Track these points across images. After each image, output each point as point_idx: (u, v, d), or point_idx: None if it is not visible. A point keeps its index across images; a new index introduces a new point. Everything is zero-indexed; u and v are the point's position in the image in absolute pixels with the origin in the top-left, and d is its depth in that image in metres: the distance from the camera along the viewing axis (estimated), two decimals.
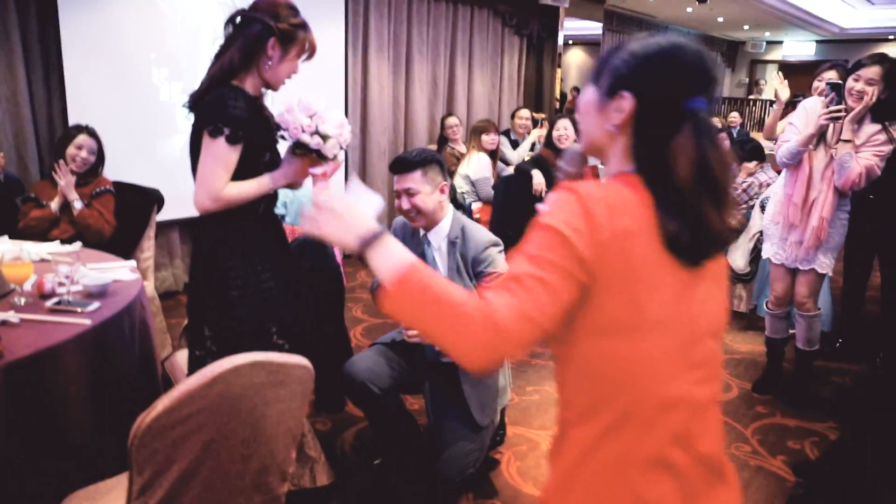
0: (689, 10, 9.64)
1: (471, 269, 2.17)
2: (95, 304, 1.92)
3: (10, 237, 2.66)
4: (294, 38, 1.84)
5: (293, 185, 1.93)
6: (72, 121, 3.57)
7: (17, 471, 1.56)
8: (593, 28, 9.00)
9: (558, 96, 7.49)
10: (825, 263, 2.96)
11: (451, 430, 2.13)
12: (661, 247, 0.92)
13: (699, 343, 0.97)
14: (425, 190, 2.13)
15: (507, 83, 6.87)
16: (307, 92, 1.91)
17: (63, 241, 2.79)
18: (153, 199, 3.34)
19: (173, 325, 3.61)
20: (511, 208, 4.05)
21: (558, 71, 7.11)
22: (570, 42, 12.38)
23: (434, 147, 5.34)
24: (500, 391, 2.30)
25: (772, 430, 2.89)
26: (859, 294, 3.81)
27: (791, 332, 3.25)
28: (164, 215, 3.56)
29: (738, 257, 4.38)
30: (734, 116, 7.66)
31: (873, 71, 2.74)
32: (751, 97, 13.41)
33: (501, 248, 2.22)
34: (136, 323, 2.04)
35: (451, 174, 4.72)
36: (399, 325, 2.30)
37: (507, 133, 5.51)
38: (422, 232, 2.25)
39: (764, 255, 3.21)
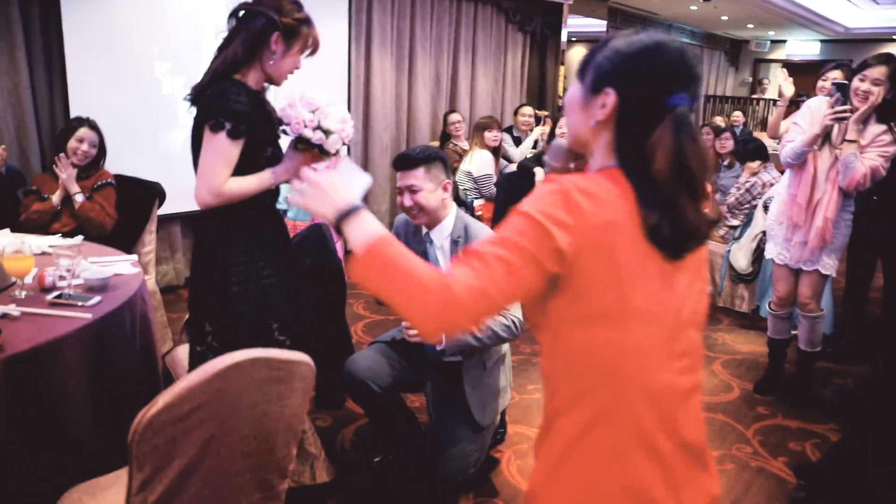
0: (693, 7, 9.61)
1: None
2: (96, 298, 1.91)
3: (12, 230, 2.65)
4: (297, 32, 1.83)
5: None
6: (73, 114, 3.56)
7: (16, 465, 1.55)
8: (597, 25, 8.96)
9: (561, 93, 7.46)
10: (829, 264, 2.95)
11: (452, 429, 2.12)
12: (643, 239, 0.95)
13: (682, 333, 1.00)
14: (428, 187, 2.12)
15: (511, 80, 6.85)
16: (310, 87, 1.90)
17: (64, 235, 2.78)
18: (155, 192, 3.33)
19: (174, 319, 3.61)
20: (513, 205, 4.03)
21: (561, 68, 7.08)
22: (574, 39, 12.31)
23: (437, 144, 5.33)
24: (502, 391, 2.29)
25: (773, 431, 2.88)
26: (862, 294, 3.80)
27: (793, 332, 3.24)
28: (166, 209, 3.55)
29: (740, 257, 4.37)
30: (737, 115, 7.62)
31: (879, 71, 2.72)
32: (754, 96, 13.38)
33: None
34: (136, 317, 2.04)
35: (454, 171, 4.70)
36: (399, 324, 2.30)
37: (509, 130, 5.49)
38: (424, 230, 2.23)
39: (767, 255, 3.20)
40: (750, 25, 12.07)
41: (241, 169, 1.79)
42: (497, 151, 4.91)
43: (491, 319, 2.08)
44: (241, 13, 1.82)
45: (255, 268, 1.87)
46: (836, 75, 3.18)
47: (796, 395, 3.16)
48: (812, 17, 10.22)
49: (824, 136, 2.86)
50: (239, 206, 1.82)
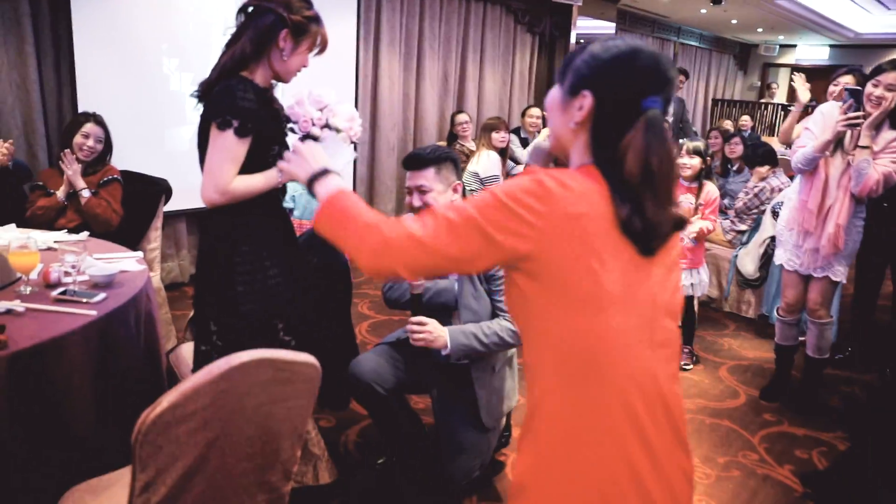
0: (703, 11, 9.56)
1: (482, 273, 2.14)
2: (101, 295, 1.90)
3: (18, 225, 2.65)
4: (306, 30, 1.81)
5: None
6: (81, 109, 3.55)
7: (19, 461, 1.54)
8: (606, 27, 8.92)
9: None
10: (839, 271, 2.92)
11: (457, 432, 2.11)
12: (617, 230, 0.99)
13: (659, 322, 1.04)
14: (438, 188, 2.09)
15: (518, 81, 6.83)
16: (318, 85, 1.88)
17: (70, 231, 2.78)
18: (161, 189, 3.32)
19: (178, 316, 3.60)
20: None
21: None
22: (583, 41, 12.29)
23: (444, 144, 5.31)
24: (508, 394, 2.28)
25: (779, 438, 2.86)
26: (870, 300, 3.77)
27: (801, 339, 3.22)
28: (172, 206, 3.55)
29: (747, 262, 4.34)
30: (745, 120, 7.58)
31: (893, 76, 2.69)
32: (762, 101, 13.31)
33: None
34: (141, 315, 2.02)
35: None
36: (404, 326, 2.28)
37: (517, 131, 5.47)
38: None
39: (777, 261, 3.17)
40: (759, 29, 12.01)
41: (248, 167, 1.78)
42: (504, 152, 4.89)
43: (494, 322, 2.07)
44: (250, 9, 1.81)
45: (262, 267, 1.85)
46: (847, 80, 3.14)
47: (803, 401, 3.13)
48: (822, 21, 10.16)
49: (837, 142, 2.83)
50: (245, 204, 1.80)
